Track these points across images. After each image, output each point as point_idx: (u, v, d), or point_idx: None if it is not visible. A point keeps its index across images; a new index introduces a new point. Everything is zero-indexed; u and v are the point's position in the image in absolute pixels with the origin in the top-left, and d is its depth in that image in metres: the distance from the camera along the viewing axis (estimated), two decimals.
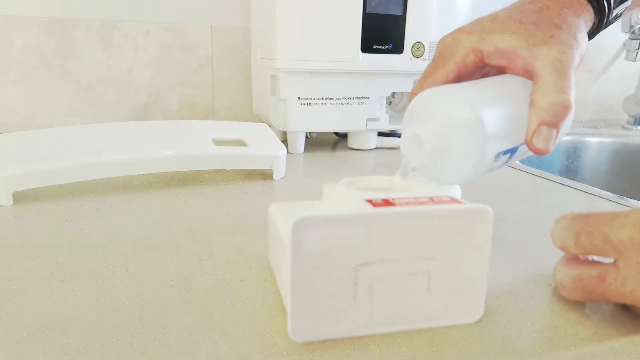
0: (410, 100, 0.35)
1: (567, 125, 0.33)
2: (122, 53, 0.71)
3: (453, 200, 0.25)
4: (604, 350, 0.24)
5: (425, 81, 0.36)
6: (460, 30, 0.36)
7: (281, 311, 0.26)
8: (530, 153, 0.34)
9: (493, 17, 0.35)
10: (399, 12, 0.60)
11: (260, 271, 0.30)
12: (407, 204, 0.24)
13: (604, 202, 0.48)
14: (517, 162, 0.70)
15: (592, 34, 0.37)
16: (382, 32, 0.60)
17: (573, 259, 0.27)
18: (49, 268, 0.30)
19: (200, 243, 0.35)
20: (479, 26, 0.35)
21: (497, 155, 0.32)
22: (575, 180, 0.58)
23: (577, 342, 0.24)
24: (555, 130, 0.32)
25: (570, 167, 0.90)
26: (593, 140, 0.91)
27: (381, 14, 0.60)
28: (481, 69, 0.37)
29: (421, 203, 0.24)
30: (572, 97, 0.32)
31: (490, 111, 0.31)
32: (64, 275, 0.29)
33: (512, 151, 0.33)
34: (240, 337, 0.24)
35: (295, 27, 0.58)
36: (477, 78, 0.37)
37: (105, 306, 0.26)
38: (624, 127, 0.96)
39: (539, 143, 0.32)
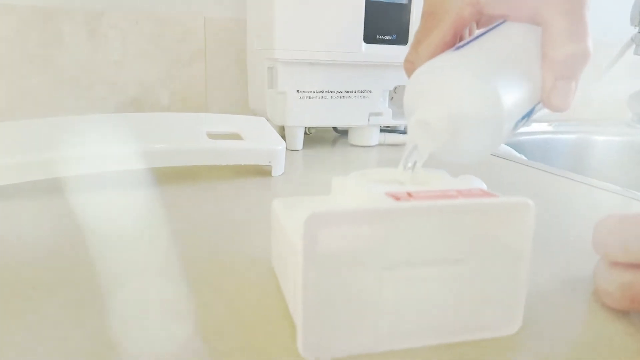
0: (406, 69, 0.31)
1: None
2: (109, 44, 0.67)
3: (485, 193, 0.22)
4: None
5: (419, 45, 0.32)
6: None
7: (288, 323, 0.22)
8: (546, 109, 0.31)
9: None
10: (404, 1, 0.57)
11: (262, 276, 0.27)
12: (435, 197, 0.21)
13: (620, 197, 0.45)
14: (523, 157, 0.67)
15: None
16: (386, 22, 0.57)
17: (618, 263, 0.24)
18: (21, 272, 0.26)
19: (195, 245, 0.31)
20: None
21: (516, 124, 0.29)
22: None
23: (628, 356, 0.21)
24: (574, 83, 0.28)
25: (576, 166, 0.87)
26: (599, 138, 0.88)
27: (385, 2, 0.56)
28: (476, 19, 0.33)
29: (450, 196, 0.21)
30: (590, 43, 0.28)
31: (504, 80, 0.27)
32: (35, 282, 0.25)
33: (529, 114, 0.30)
34: (240, 355, 0.20)
35: (294, 16, 0.54)
36: (471, 29, 0.33)
37: (87, 313, 0.22)
38: (629, 125, 0.93)
39: (557, 101, 0.28)
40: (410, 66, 0.30)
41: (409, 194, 0.21)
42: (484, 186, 0.33)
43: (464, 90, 0.27)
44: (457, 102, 0.27)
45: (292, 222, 0.22)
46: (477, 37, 0.31)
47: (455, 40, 0.31)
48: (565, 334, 0.23)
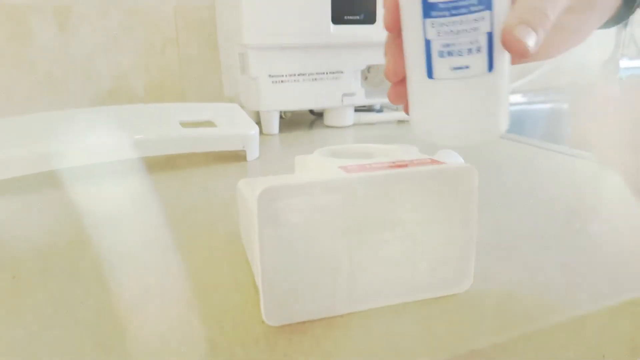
0: (389, 79, 0.28)
1: None
2: (80, 37, 0.67)
3: (434, 161, 0.23)
4: (601, 311, 0.22)
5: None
6: None
7: (255, 294, 0.24)
8: None
9: None
10: None
11: (233, 253, 0.28)
12: (383, 168, 0.22)
13: (589, 163, 0.47)
14: None
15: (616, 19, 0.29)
16: (353, 1, 0.57)
17: None
18: (1, 263, 0.27)
19: (172, 228, 0.32)
20: None
21: None
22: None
23: (576, 305, 0.23)
24: (534, 33, 0.23)
25: (552, 135, 0.88)
26: None
27: None
28: None
29: (398, 166, 0.22)
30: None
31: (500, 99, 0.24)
32: (16, 270, 0.27)
33: None
34: (211, 323, 0.21)
35: (261, 0, 0.54)
36: None
37: (67, 294, 0.23)
38: None
39: (513, 38, 0.23)
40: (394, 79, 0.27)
41: (360, 166, 0.22)
42: (461, 159, 0.34)
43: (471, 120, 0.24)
44: (466, 131, 0.24)
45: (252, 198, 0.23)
46: None
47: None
48: (515, 289, 0.24)
